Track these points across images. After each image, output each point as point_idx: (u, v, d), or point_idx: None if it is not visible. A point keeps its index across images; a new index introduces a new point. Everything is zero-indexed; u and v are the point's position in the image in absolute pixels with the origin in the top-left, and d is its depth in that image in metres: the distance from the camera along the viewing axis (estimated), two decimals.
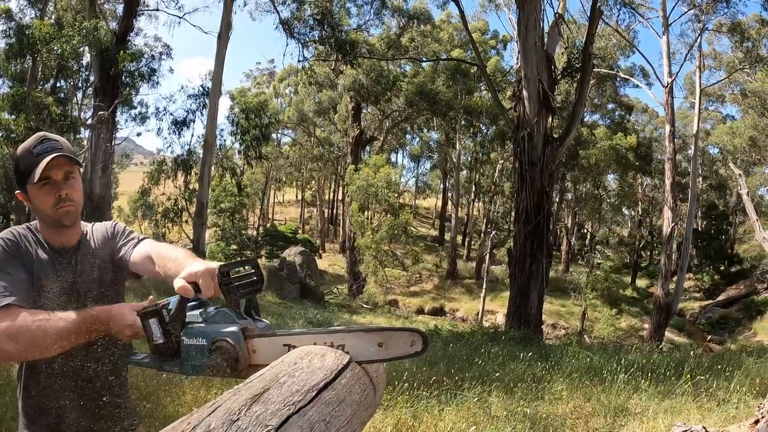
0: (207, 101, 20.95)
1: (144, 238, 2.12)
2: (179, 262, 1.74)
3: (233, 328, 1.45)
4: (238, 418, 0.98)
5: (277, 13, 22.18)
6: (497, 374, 7.44)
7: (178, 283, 1.54)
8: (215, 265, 1.54)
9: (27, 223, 2.03)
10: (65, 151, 1.92)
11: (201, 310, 1.54)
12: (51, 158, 1.86)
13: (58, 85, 22.55)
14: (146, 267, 1.97)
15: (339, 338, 1.38)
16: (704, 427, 2.38)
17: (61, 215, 1.94)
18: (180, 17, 24.12)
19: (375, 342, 1.36)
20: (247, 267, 1.61)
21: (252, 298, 1.57)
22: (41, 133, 1.97)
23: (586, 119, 34.60)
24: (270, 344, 1.42)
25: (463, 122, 36.77)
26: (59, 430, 1.94)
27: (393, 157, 54.33)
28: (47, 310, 1.84)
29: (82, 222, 2.10)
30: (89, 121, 19.10)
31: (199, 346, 1.47)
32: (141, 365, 1.71)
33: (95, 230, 2.13)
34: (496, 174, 39.08)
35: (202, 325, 1.50)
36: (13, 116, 19.00)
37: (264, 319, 1.56)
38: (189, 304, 1.55)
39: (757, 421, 2.37)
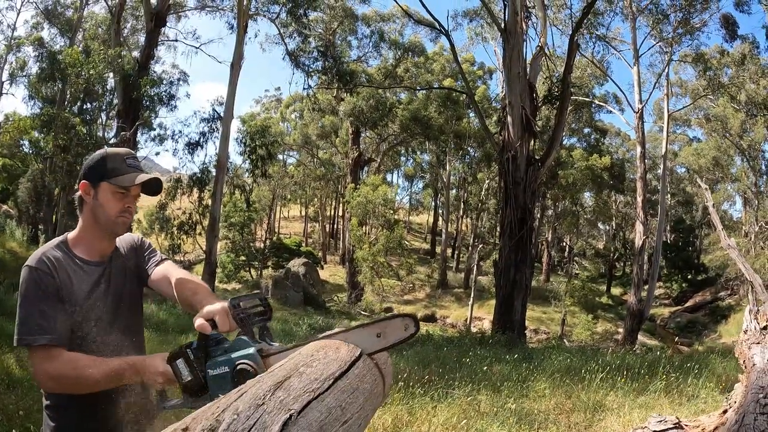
0: (218, 125, 21.00)
1: (166, 259, 2.13)
2: (198, 298, 1.78)
3: (250, 350, 1.47)
4: (263, 402, 0.99)
5: (285, 45, 22.35)
6: (485, 374, 7.42)
7: (197, 322, 1.57)
8: (227, 302, 1.58)
9: (59, 239, 1.99)
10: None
11: (220, 343, 1.55)
12: (151, 177, 1.93)
13: (84, 107, 22.57)
14: (163, 287, 2.00)
15: (342, 338, 1.39)
16: (677, 418, 2.39)
17: (119, 224, 1.96)
18: (197, 48, 24.34)
19: (374, 334, 1.38)
20: (255, 300, 1.62)
21: (264, 326, 1.59)
22: (131, 151, 2.04)
23: (564, 142, 34.74)
24: (284, 358, 1.42)
25: (452, 145, 36.85)
26: (82, 422, 1.92)
27: (389, 177, 54.52)
28: (87, 326, 1.89)
29: None
30: (112, 141, 19.09)
31: (222, 374, 1.48)
32: (176, 408, 1.69)
33: (123, 241, 2.12)
34: (483, 192, 39.11)
35: (223, 356, 1.51)
36: (42, 134, 19.03)
37: (276, 343, 1.56)
38: (209, 340, 1.56)
39: (725, 411, 2.38)
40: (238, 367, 1.45)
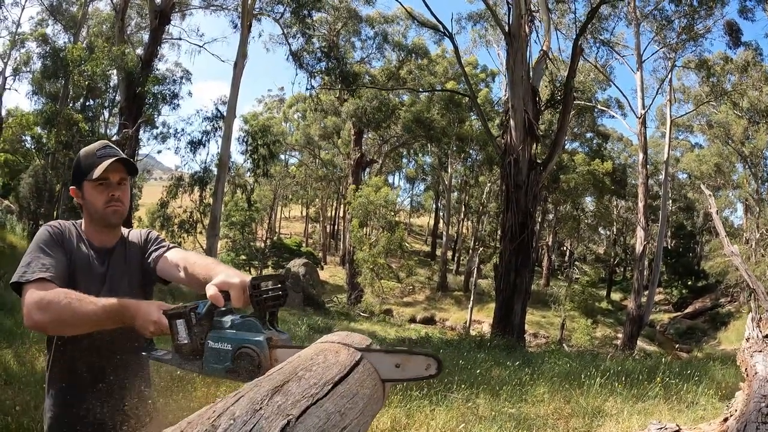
0: (221, 124, 20.99)
1: (174, 246, 2.11)
2: (210, 268, 1.75)
3: (259, 337, 1.42)
4: (260, 407, 0.97)
5: (288, 45, 22.31)
6: (484, 378, 7.39)
7: (211, 290, 1.53)
8: (249, 278, 1.53)
9: (73, 220, 2.06)
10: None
11: (228, 317, 1.50)
12: (114, 159, 1.94)
13: (87, 104, 22.59)
14: (172, 273, 1.98)
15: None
16: (678, 425, 2.37)
17: (110, 213, 1.98)
18: (200, 46, 24.33)
19: (393, 363, 1.32)
20: (275, 282, 1.57)
21: (275, 311, 1.54)
22: (105, 141, 2.07)
23: (566, 146, 34.72)
24: (291, 355, 1.39)
25: (455, 148, 36.81)
26: (81, 413, 1.92)
27: (390, 179, 54.42)
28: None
29: (122, 227, 2.12)
30: (114, 138, 19.07)
31: (224, 350, 1.44)
32: (161, 361, 1.66)
33: (132, 235, 2.14)
34: (484, 196, 39.09)
35: (229, 331, 1.47)
36: (45, 131, 19.03)
37: (284, 332, 1.52)
38: (217, 310, 1.52)
39: (726, 419, 2.36)
40: (243, 350, 1.41)
